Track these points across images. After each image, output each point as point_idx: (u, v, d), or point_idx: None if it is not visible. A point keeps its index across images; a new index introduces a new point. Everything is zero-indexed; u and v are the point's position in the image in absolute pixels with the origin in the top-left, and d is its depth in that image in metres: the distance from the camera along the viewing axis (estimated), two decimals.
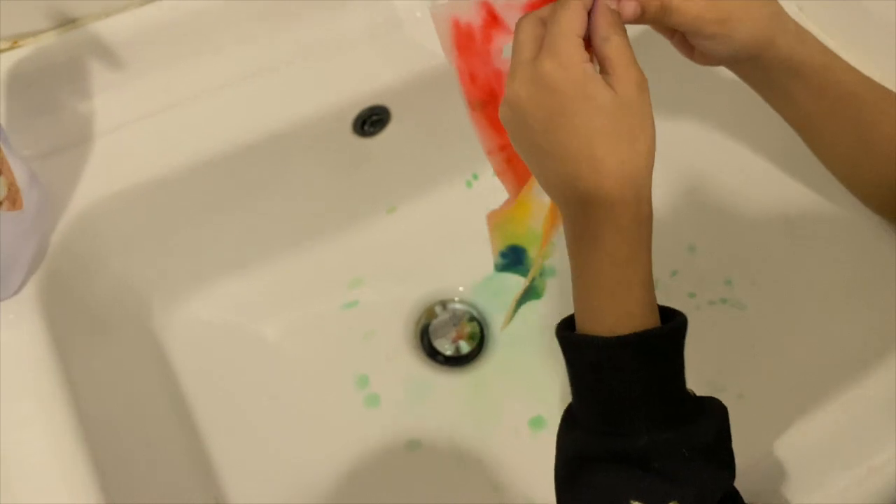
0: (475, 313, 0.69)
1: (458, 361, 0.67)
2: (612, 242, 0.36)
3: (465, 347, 0.68)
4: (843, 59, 0.44)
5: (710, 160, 0.71)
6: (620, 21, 0.37)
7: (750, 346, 0.66)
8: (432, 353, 0.67)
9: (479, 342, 0.68)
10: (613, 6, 0.37)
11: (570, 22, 0.36)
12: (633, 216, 0.36)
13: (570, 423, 0.39)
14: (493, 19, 0.44)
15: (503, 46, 0.44)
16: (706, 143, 0.71)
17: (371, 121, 0.62)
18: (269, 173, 0.61)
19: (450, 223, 0.71)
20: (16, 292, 0.50)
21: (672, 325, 0.37)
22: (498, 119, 0.41)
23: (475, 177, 0.73)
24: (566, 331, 0.39)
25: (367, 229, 0.70)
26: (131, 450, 0.55)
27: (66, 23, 0.55)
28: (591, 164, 0.35)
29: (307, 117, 0.59)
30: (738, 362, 0.65)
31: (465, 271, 0.70)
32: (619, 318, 0.36)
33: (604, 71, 0.37)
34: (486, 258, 0.72)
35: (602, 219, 0.36)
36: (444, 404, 0.65)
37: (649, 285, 0.37)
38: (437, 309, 0.69)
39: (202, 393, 0.63)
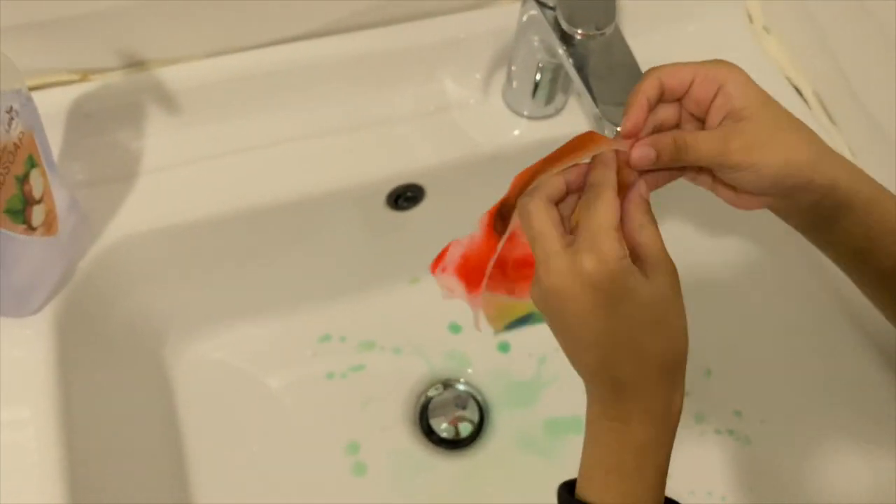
0: (479, 398, 0.69)
1: (452, 444, 0.67)
2: (641, 428, 0.37)
3: (461, 431, 0.68)
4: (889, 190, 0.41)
5: (746, 286, 0.70)
6: (650, 208, 0.38)
7: (749, 487, 0.64)
8: (428, 431, 0.67)
9: (478, 428, 0.68)
10: (646, 195, 0.38)
11: (609, 216, 0.36)
12: (666, 404, 0.37)
13: None
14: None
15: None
16: (745, 268, 0.70)
17: (405, 196, 0.64)
18: (300, 231, 0.63)
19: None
20: (35, 312, 0.53)
21: None
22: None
23: None
24: (569, 495, 0.39)
25: (388, 296, 0.71)
26: (113, 468, 0.56)
27: (135, 64, 0.58)
28: (633, 353, 0.36)
29: (344, 186, 0.61)
30: (734, 501, 0.63)
31: (477, 353, 0.71)
32: (625, 500, 0.37)
33: (636, 256, 0.37)
34: (499, 344, 0.72)
35: (635, 404, 0.37)
36: (430, 486, 0.65)
37: (664, 471, 0.37)
38: (441, 387, 0.69)
39: (196, 427, 0.65)
